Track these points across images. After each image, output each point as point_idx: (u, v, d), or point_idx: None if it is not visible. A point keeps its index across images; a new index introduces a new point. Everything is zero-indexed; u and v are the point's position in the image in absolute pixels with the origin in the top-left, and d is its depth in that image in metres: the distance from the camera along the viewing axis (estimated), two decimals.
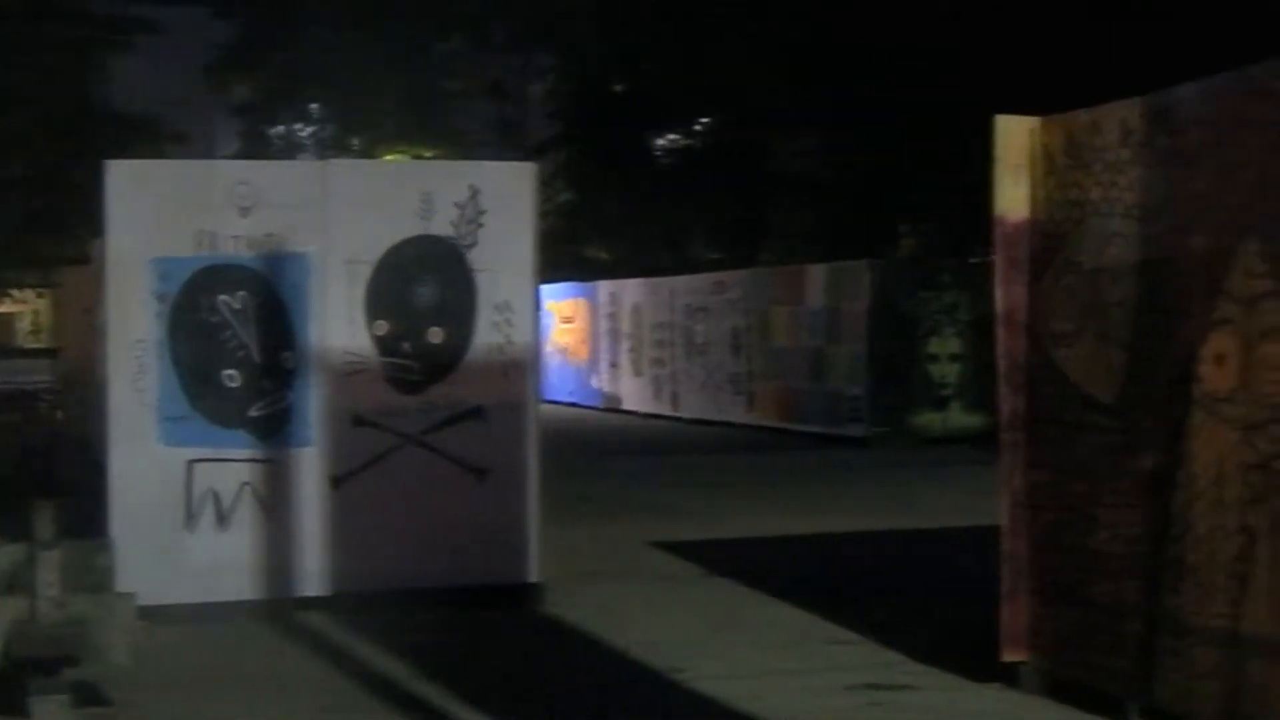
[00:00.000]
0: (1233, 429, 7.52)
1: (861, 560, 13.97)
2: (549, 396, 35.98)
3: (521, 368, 11.68)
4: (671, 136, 42.80)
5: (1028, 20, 28.73)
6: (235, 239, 11.26)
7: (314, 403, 11.33)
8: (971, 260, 27.22)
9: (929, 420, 26.30)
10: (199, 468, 11.19)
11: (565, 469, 17.50)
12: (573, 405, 36.17)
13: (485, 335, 11.62)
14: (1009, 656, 8.94)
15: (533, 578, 11.60)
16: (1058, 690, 8.66)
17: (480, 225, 11.61)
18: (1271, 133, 7.37)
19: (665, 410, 32.98)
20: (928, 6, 30.13)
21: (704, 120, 41.53)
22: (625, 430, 31.01)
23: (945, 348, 26.49)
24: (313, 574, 11.28)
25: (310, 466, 11.33)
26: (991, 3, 29.32)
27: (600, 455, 24.83)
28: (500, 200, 11.68)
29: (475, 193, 11.63)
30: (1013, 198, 8.93)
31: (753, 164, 37.29)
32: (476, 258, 11.60)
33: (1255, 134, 7.47)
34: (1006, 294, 8.96)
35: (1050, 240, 8.80)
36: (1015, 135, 8.95)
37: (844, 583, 12.69)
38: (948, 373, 26.46)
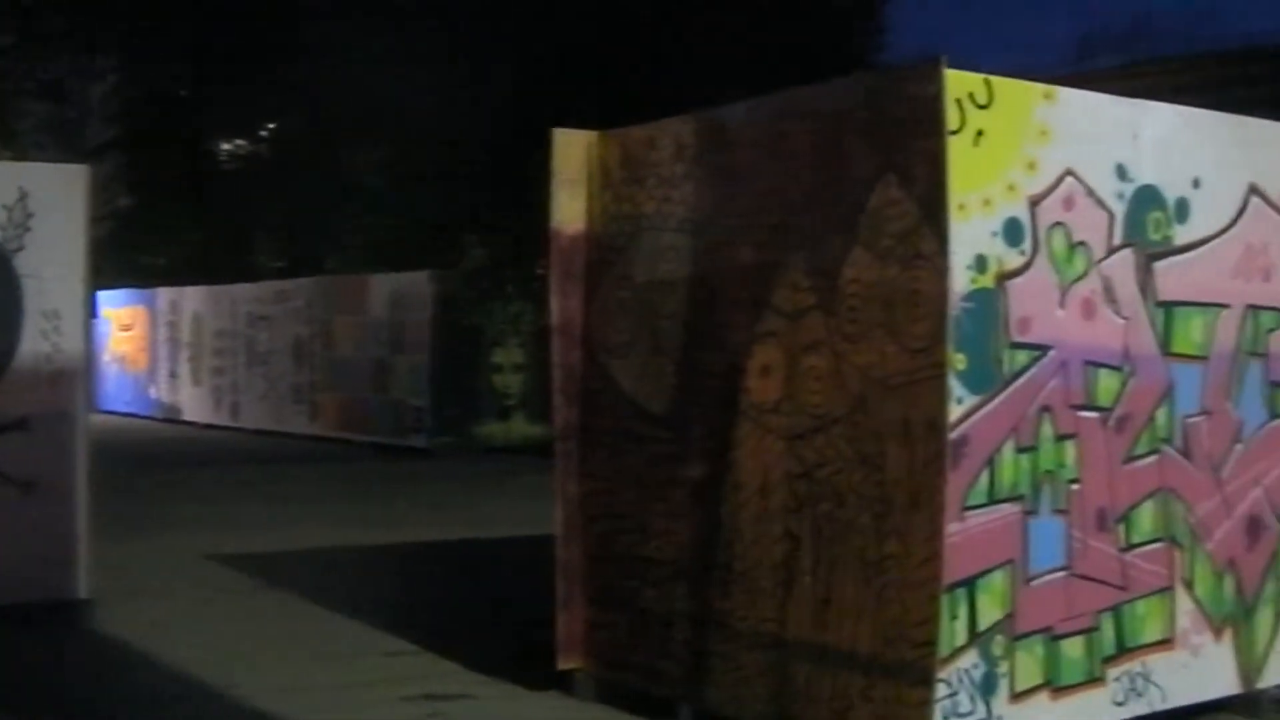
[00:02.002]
0: (778, 439, 7.75)
1: (422, 571, 13.97)
2: (105, 407, 35.11)
3: (71, 377, 11.29)
4: (238, 142, 42.14)
5: (590, 35, 29.26)
6: None
7: None
8: (538, 271, 27.54)
9: (493, 430, 26.49)
10: None
11: (119, 481, 17.03)
12: (130, 416, 35.30)
13: (32, 343, 11.19)
14: (565, 664, 9.05)
15: (82, 594, 11.21)
16: (613, 696, 8.81)
17: (28, 229, 11.18)
18: (814, 152, 7.64)
19: (225, 421, 32.49)
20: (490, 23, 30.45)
21: (270, 126, 41.02)
22: (183, 441, 30.37)
23: (509, 358, 26.73)
24: None
25: None
26: (556, 20, 29.77)
27: (156, 467, 24.24)
28: (50, 204, 11.27)
29: (24, 195, 11.20)
30: (569, 210, 9.03)
31: (320, 172, 37.00)
32: (24, 263, 11.17)
33: (799, 153, 7.73)
34: (562, 306, 9.05)
35: (605, 253, 8.93)
36: (572, 149, 9.05)
37: (405, 594, 12.68)
38: (511, 383, 26.70)
